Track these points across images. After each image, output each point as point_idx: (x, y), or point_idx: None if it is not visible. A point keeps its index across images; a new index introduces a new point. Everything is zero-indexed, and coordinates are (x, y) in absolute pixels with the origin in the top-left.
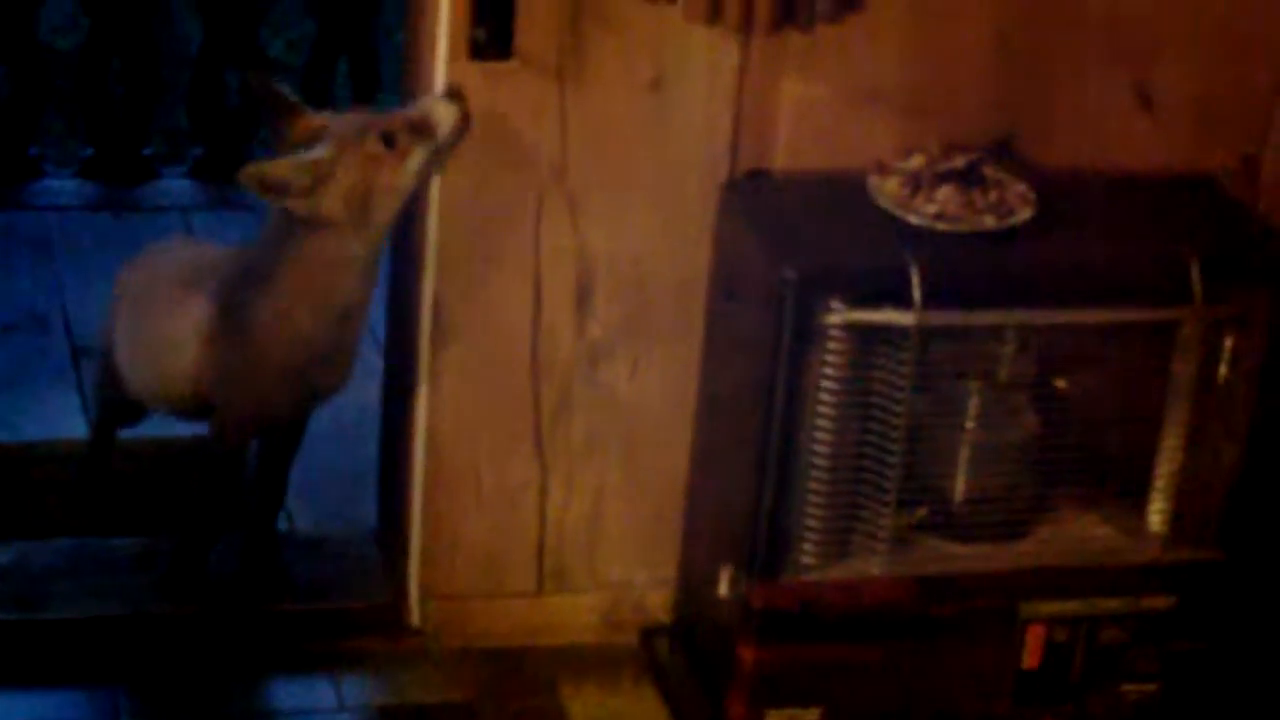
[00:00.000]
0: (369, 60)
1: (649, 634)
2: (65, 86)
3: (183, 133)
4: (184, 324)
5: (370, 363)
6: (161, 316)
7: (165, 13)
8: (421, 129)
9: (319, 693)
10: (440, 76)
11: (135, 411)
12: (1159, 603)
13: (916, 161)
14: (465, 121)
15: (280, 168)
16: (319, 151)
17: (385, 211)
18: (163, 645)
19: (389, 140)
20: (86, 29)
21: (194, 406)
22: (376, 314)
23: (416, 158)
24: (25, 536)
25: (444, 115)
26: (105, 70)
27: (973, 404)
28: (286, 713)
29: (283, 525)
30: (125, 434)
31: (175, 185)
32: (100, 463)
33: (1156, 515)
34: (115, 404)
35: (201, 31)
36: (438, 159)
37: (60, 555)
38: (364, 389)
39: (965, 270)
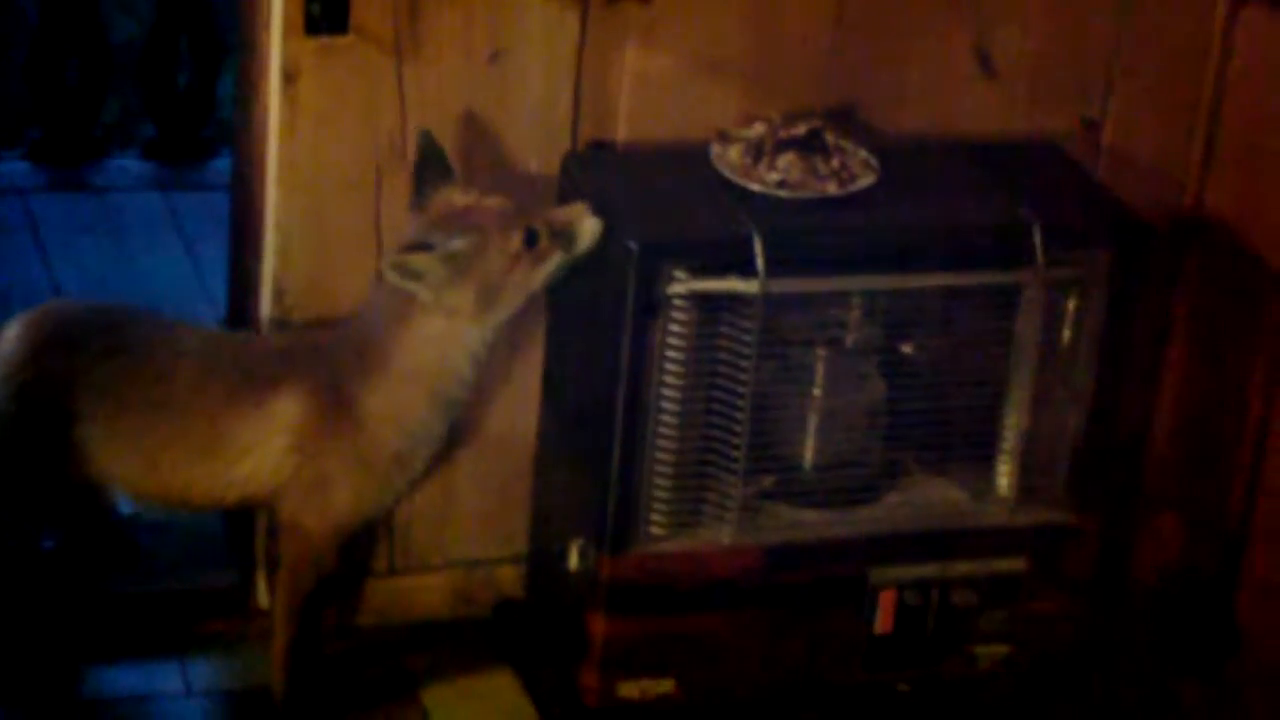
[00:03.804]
0: (209, 37)
1: (501, 609)
2: None
3: (23, 113)
4: (265, 424)
5: None
6: (218, 416)
7: None
8: (564, 235)
9: (165, 676)
10: (276, 51)
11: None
12: (1009, 565)
13: (758, 129)
14: (604, 239)
15: (422, 260)
16: (460, 243)
17: (508, 308)
18: (3, 630)
19: (531, 239)
20: None
21: (233, 506)
22: (218, 291)
23: (553, 263)
24: None
25: (588, 229)
26: None
27: (819, 371)
28: (132, 697)
29: (128, 507)
30: None
31: (13, 168)
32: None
33: (1004, 478)
34: (41, 491)
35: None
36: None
37: None
38: None
39: (808, 237)
